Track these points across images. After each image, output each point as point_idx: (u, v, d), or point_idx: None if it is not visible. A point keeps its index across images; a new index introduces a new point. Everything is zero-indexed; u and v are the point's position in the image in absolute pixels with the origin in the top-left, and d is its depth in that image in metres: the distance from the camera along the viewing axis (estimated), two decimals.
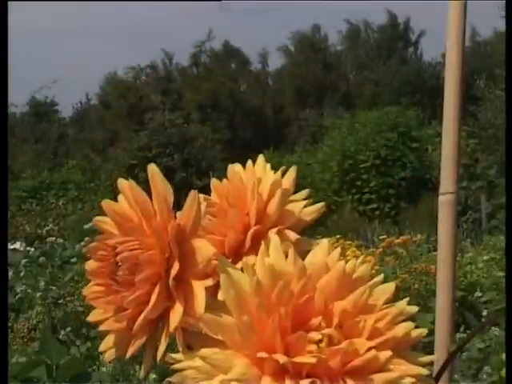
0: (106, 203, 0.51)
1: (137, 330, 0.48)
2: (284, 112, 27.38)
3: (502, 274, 4.50)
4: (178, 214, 0.52)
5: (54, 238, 5.53)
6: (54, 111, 26.13)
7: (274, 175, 0.57)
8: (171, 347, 0.48)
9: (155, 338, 0.49)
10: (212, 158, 16.96)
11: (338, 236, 6.10)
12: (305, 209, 0.57)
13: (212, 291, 0.52)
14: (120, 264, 0.49)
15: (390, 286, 0.48)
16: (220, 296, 0.48)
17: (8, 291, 3.94)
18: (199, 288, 0.48)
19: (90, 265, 0.51)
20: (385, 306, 0.47)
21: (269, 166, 0.58)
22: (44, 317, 3.60)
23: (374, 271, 4.50)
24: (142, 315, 0.48)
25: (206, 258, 0.48)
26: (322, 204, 0.59)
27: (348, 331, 0.45)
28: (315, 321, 0.46)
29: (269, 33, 42.93)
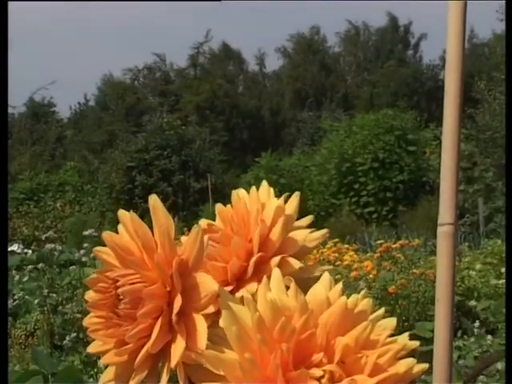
0: (107, 235, 0.51)
1: (138, 364, 0.48)
2: (282, 114, 27.37)
3: (498, 281, 4.50)
4: (183, 239, 0.51)
5: (53, 245, 5.50)
6: (51, 112, 26.10)
7: (277, 201, 0.56)
8: (172, 381, 0.48)
9: (156, 371, 0.49)
10: (210, 160, 16.92)
11: (335, 239, 6.09)
12: (308, 235, 0.57)
13: (213, 318, 0.51)
14: (121, 297, 0.48)
15: (392, 321, 0.48)
16: (221, 323, 0.47)
17: (8, 296, 3.93)
18: (201, 322, 0.47)
19: (91, 296, 0.51)
20: (387, 341, 0.47)
21: (272, 191, 0.58)
22: (42, 323, 3.59)
23: (372, 275, 4.51)
24: (144, 349, 0.47)
25: (209, 293, 0.48)
26: (325, 230, 0.59)
27: (350, 367, 0.45)
28: (317, 357, 0.45)
29: (267, 34, 42.94)
